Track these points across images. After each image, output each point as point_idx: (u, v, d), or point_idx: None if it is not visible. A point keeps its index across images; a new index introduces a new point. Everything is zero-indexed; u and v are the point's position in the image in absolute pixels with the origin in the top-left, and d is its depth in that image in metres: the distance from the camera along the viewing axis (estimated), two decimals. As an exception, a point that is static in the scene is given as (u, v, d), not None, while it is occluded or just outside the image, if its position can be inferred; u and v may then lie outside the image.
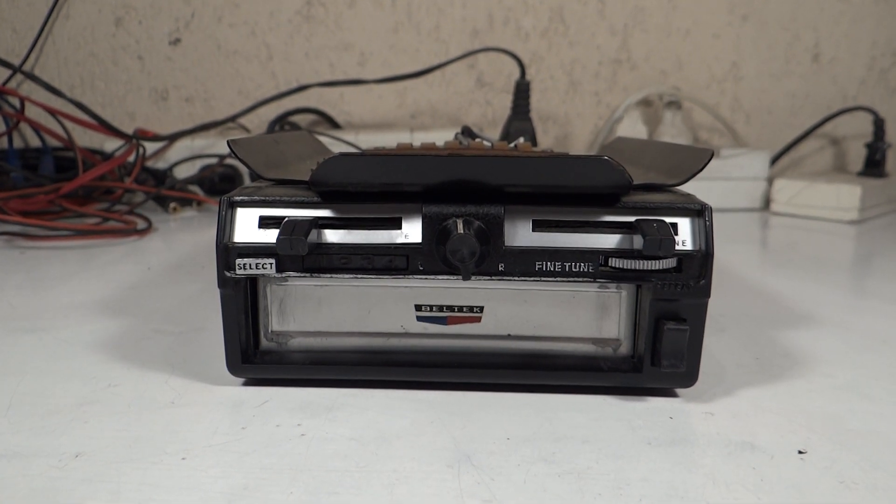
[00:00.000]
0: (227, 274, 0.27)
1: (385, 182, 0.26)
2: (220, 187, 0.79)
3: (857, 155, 0.88)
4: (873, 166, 0.77)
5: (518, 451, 0.23)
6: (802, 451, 0.23)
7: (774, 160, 0.84)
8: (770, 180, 0.77)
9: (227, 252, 0.27)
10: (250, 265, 0.26)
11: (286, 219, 0.26)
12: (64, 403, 0.27)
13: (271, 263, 0.27)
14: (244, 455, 0.23)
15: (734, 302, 0.41)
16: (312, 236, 0.26)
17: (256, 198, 0.27)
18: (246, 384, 0.29)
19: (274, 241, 0.26)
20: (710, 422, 0.26)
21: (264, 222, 0.27)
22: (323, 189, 0.26)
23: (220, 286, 0.27)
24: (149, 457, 0.23)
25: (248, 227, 0.27)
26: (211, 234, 0.63)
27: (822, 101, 0.87)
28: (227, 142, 0.29)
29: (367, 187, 0.26)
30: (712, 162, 0.76)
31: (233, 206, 0.27)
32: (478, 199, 0.26)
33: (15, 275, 0.47)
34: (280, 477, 0.21)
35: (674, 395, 0.28)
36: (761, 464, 0.23)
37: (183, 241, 0.59)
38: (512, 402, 0.27)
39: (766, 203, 0.77)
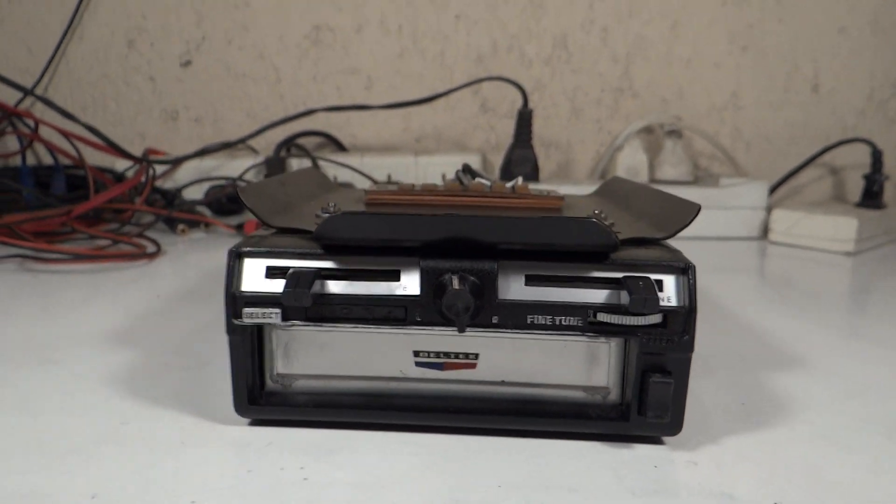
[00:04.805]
0: (235, 322, 0.28)
1: (385, 238, 0.27)
2: (228, 208, 0.81)
3: (855, 185, 0.89)
4: (871, 198, 0.79)
5: (508, 498, 0.25)
6: (778, 503, 0.25)
7: (773, 189, 0.85)
8: (769, 209, 0.78)
9: (235, 301, 0.28)
10: (257, 314, 0.28)
11: (291, 270, 0.28)
12: (80, 442, 0.28)
13: (277, 313, 0.28)
14: (250, 498, 0.24)
15: (726, 340, 0.42)
16: (316, 287, 0.28)
17: (263, 248, 0.29)
18: (252, 424, 0.30)
19: (280, 290, 0.28)
20: (692, 471, 0.27)
21: (271, 272, 0.28)
22: (326, 243, 0.28)
23: (228, 333, 0.28)
24: (161, 500, 0.24)
25: (255, 276, 0.28)
26: (218, 256, 0.65)
27: (821, 131, 0.88)
28: (236, 188, 0.31)
29: (368, 242, 0.27)
30: (712, 191, 0.77)
31: (240, 256, 0.29)
32: (473, 254, 0.28)
33: (28, 301, 0.49)
34: (282, 523, 0.23)
35: (660, 442, 0.29)
36: (738, 516, 0.24)
37: (191, 264, 0.61)
38: (505, 446, 0.28)
39: (765, 232, 0.78)
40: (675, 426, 0.28)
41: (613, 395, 0.30)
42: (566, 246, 0.27)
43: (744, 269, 0.64)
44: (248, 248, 0.28)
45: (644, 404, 0.28)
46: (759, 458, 0.28)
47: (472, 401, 0.30)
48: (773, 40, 0.86)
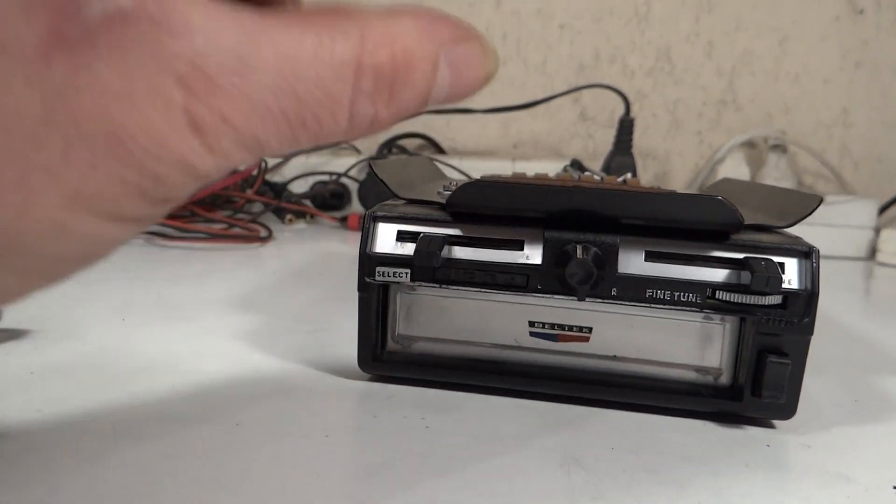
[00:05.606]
0: (368, 280, 0.30)
1: (512, 207, 0.29)
2: (331, 203, 0.84)
3: (973, 209, 0.85)
4: None
5: (622, 459, 0.25)
6: (898, 487, 0.25)
7: (883, 209, 0.82)
8: (877, 230, 0.75)
9: (369, 260, 0.30)
10: (388, 273, 0.30)
11: (422, 234, 0.30)
12: (220, 380, 0.31)
13: (406, 273, 0.30)
14: (378, 437, 0.26)
15: (834, 346, 0.42)
16: (444, 251, 0.29)
17: (395, 214, 0.31)
18: (372, 380, 0.32)
19: (409, 253, 0.30)
20: (806, 453, 0.27)
21: (402, 236, 0.30)
22: (456, 210, 0.30)
23: (360, 290, 0.30)
24: (297, 432, 0.26)
25: (387, 239, 0.30)
26: (323, 244, 0.68)
27: (937, 152, 0.85)
28: (369, 163, 0.33)
29: (496, 211, 0.29)
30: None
31: (375, 220, 0.31)
32: (595, 228, 0.29)
33: (159, 271, 0.53)
34: (411, 458, 0.25)
35: (771, 426, 0.29)
36: (855, 494, 0.24)
37: (297, 250, 0.64)
38: (615, 418, 0.29)
39: (872, 253, 0.76)
40: (789, 409, 0.28)
41: (725, 378, 0.30)
42: (690, 223, 0.27)
43: (850, 286, 0.62)
44: (383, 213, 0.31)
45: (759, 384, 0.28)
46: (875, 447, 0.28)
47: (583, 373, 0.31)
48: (889, 57, 0.83)
